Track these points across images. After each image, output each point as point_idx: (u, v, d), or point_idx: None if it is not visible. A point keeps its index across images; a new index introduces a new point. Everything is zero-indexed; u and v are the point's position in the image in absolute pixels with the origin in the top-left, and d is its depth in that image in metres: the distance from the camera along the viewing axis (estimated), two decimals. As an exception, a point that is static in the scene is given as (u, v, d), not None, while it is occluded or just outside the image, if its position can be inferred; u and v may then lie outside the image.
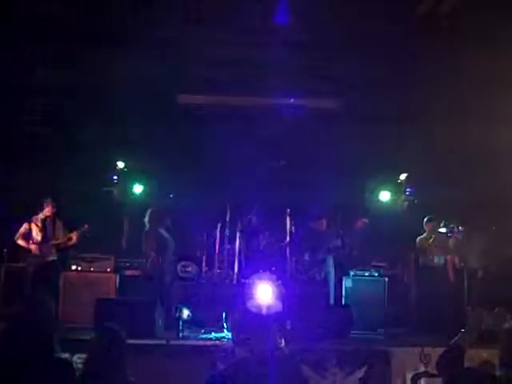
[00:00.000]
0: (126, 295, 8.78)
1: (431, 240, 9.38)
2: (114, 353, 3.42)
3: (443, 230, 9.30)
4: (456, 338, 5.06)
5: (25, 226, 8.65)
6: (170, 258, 8.94)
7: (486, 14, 7.97)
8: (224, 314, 8.26)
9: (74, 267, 9.14)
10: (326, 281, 8.91)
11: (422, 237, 9.59)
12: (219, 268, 10.20)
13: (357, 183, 10.49)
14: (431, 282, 9.26)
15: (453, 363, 4.31)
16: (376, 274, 9.45)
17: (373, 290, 9.23)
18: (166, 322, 8.06)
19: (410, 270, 9.89)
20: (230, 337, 7.74)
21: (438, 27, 8.38)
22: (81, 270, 9.17)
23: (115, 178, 10.44)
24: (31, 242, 8.59)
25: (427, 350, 6.89)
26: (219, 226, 10.30)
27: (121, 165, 10.46)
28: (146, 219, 8.85)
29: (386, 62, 9.21)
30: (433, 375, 6.37)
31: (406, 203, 10.46)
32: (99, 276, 9.14)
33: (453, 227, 9.20)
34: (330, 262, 9.06)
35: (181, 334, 7.75)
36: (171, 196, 10.41)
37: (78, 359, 6.05)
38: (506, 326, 6.78)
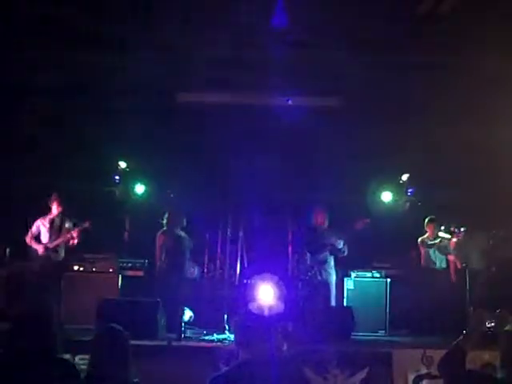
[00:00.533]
0: (128, 295, 8.78)
1: (434, 241, 9.39)
2: (118, 354, 3.42)
3: (444, 233, 9.31)
4: (458, 339, 5.02)
5: (36, 226, 8.64)
6: (187, 257, 8.98)
7: (486, 14, 7.96)
8: (226, 316, 8.27)
9: (76, 267, 9.14)
10: (327, 282, 8.89)
11: (423, 237, 9.60)
12: (221, 269, 10.22)
13: (358, 183, 10.47)
14: (433, 283, 9.27)
15: (454, 365, 4.30)
16: (378, 275, 9.45)
17: (374, 291, 9.22)
18: (168, 323, 8.06)
19: (412, 271, 9.88)
20: (232, 338, 7.76)
21: (438, 27, 8.37)
22: (83, 271, 9.18)
23: (117, 178, 10.45)
24: (39, 242, 8.58)
25: (429, 351, 6.88)
26: (221, 226, 10.32)
27: (123, 165, 10.46)
28: (164, 221, 8.91)
29: (386, 61, 9.19)
30: (435, 377, 6.37)
31: (408, 204, 10.46)
32: (101, 276, 9.15)
33: (454, 228, 9.21)
34: (332, 262, 9.04)
35: (183, 335, 7.75)
36: (172, 195, 10.38)
37: (80, 360, 6.08)
38: (508, 327, 6.76)
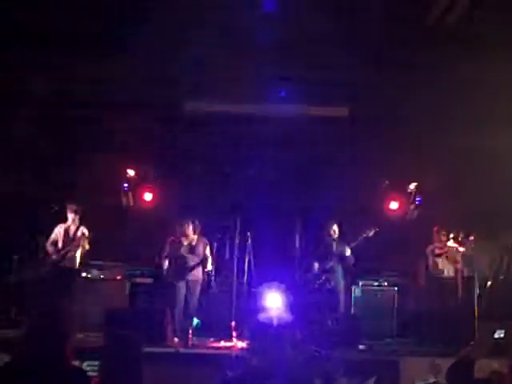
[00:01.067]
0: (136, 303, 8.80)
1: (442, 250, 9.38)
2: (131, 360, 3.42)
3: (453, 243, 9.29)
4: (466, 349, 5.04)
5: (54, 232, 8.68)
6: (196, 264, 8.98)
7: (494, 22, 7.96)
8: (233, 323, 8.28)
9: (84, 274, 9.17)
10: (335, 290, 8.89)
11: (431, 246, 9.59)
12: (229, 276, 10.22)
13: (367, 192, 10.48)
14: (441, 292, 9.25)
15: (462, 374, 4.30)
16: (385, 284, 9.45)
17: (382, 300, 9.23)
18: (175, 330, 8.07)
19: (420, 279, 9.87)
20: (239, 346, 7.78)
21: (447, 36, 8.37)
22: (91, 278, 9.20)
23: (125, 185, 10.49)
24: (55, 249, 8.62)
25: (438, 360, 6.86)
26: (229, 234, 10.33)
27: (131, 173, 10.51)
28: (188, 231, 8.88)
29: (395, 69, 9.19)
30: (442, 386, 6.36)
31: (416, 212, 10.45)
32: (109, 283, 9.17)
33: (462, 237, 9.19)
34: (340, 271, 9.04)
35: (190, 342, 7.76)
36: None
37: (88, 367, 6.10)
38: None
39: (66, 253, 8.60)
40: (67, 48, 8.49)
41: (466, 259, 9.39)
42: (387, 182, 10.71)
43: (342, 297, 8.99)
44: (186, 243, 8.76)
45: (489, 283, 9.28)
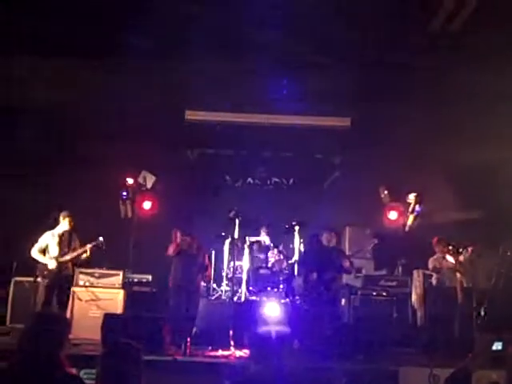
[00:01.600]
0: (133, 311, 8.77)
1: (443, 261, 9.35)
2: (130, 368, 3.39)
3: (452, 253, 9.27)
4: (464, 361, 5.01)
5: (43, 240, 8.64)
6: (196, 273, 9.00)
7: (496, 32, 7.98)
8: (231, 332, 8.26)
9: (81, 282, 9.15)
10: (334, 300, 8.86)
11: (433, 258, 9.54)
12: (227, 285, 10.22)
13: (365, 202, 10.48)
14: (440, 303, 9.21)
15: (460, 385, 4.30)
16: (384, 294, 9.42)
17: (381, 310, 9.19)
18: (174, 339, 8.05)
19: (419, 289, 9.83)
20: (236, 354, 7.76)
21: (449, 45, 8.38)
22: (89, 286, 9.18)
23: (124, 194, 10.50)
24: (48, 256, 8.59)
25: (436, 370, 6.84)
26: (227, 242, 10.33)
27: (130, 181, 10.52)
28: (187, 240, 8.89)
29: (398, 79, 9.20)
30: (441, 396, 6.33)
31: (415, 223, 10.44)
32: (107, 291, 9.15)
33: (462, 247, 9.17)
34: (338, 281, 9.03)
35: (188, 351, 7.74)
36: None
37: (85, 374, 6.08)
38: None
39: (70, 260, 8.61)
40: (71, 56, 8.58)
41: (466, 270, 9.37)
42: (386, 192, 10.72)
43: (340, 306, 8.97)
44: (185, 252, 8.76)
45: (488, 294, 9.25)
